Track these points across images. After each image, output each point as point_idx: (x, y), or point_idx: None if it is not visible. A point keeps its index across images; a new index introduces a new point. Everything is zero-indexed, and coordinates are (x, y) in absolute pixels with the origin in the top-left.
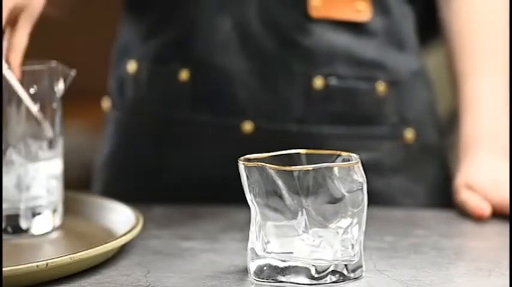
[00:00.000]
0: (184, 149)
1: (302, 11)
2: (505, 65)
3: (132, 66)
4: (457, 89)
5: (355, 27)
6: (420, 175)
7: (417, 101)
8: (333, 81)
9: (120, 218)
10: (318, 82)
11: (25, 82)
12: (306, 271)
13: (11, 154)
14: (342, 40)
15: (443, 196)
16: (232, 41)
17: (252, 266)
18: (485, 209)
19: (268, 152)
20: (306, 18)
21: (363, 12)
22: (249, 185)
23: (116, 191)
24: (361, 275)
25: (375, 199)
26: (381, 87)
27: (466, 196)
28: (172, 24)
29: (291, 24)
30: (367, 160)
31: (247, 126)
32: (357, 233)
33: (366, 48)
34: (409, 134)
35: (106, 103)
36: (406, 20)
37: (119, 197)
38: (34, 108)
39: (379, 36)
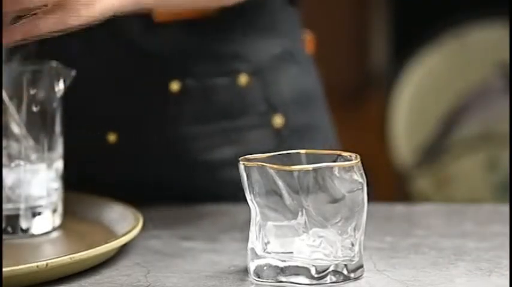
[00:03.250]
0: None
1: (146, 17)
2: None
3: None
4: None
5: (206, 24)
6: None
7: (285, 84)
8: (190, 82)
9: (120, 218)
10: (175, 86)
11: (25, 82)
12: (306, 271)
13: (11, 154)
14: (194, 39)
15: None
16: (82, 56)
17: (252, 266)
18: None
19: (136, 160)
20: (151, 24)
21: (211, 12)
22: (248, 185)
23: None
24: (361, 275)
25: None
26: (242, 79)
27: None
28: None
29: (137, 32)
30: (235, 154)
31: (111, 137)
32: (357, 233)
33: (222, 43)
34: (278, 120)
35: None
36: (266, 4)
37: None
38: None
39: (235, 27)
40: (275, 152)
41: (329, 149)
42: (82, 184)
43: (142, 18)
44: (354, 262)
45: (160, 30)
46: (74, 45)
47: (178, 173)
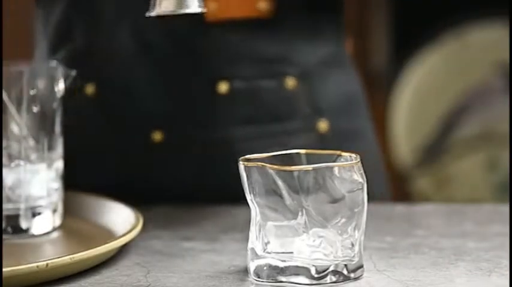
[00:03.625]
0: (97, 162)
1: (198, 16)
2: None
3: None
4: None
5: (256, 26)
6: None
7: (330, 89)
8: (238, 83)
9: (120, 218)
10: (223, 86)
11: (25, 82)
12: (306, 271)
13: (11, 154)
14: (243, 40)
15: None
16: (132, 50)
17: (252, 266)
18: None
19: (180, 159)
20: (202, 23)
21: (263, 12)
22: (248, 185)
23: None
24: (361, 275)
25: None
26: (289, 82)
27: None
28: (72, 38)
29: (188, 30)
30: None
31: (157, 136)
32: (357, 233)
33: (270, 45)
34: (323, 124)
35: None
36: (313, 8)
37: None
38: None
39: (285, 29)
40: None
41: (372, 155)
42: (121, 181)
43: (195, 18)
44: (354, 262)
45: (211, 31)
46: (129, 44)
47: (219, 175)
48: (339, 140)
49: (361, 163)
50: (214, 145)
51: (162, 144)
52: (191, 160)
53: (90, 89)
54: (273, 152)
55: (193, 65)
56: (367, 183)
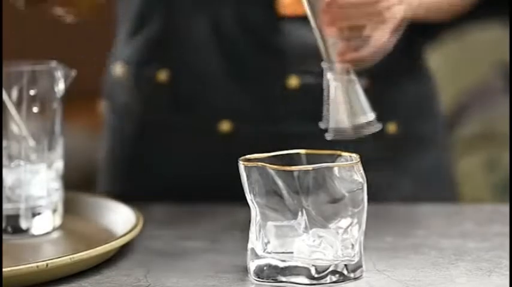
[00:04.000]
0: (164, 151)
1: (273, 10)
2: None
3: (117, 69)
4: None
5: None
6: (406, 168)
7: (403, 91)
8: (308, 79)
9: (120, 218)
10: (293, 81)
11: (25, 82)
12: (306, 271)
13: (11, 154)
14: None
15: (435, 189)
16: (207, 41)
17: (252, 266)
18: None
19: (246, 153)
20: (277, 17)
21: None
22: (249, 185)
23: (114, 192)
24: (361, 275)
25: None
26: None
27: None
28: (150, 24)
29: (263, 23)
30: None
31: (225, 127)
32: (357, 233)
33: None
34: (391, 127)
35: (101, 106)
36: None
37: (117, 198)
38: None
39: None
40: (386, 159)
41: (442, 161)
42: (186, 168)
43: (269, 12)
44: (354, 262)
45: (286, 26)
46: (205, 36)
47: None
48: (407, 144)
49: (429, 169)
50: (282, 138)
51: (229, 134)
52: (257, 152)
53: (162, 75)
54: (342, 150)
55: (266, 59)
56: (435, 188)
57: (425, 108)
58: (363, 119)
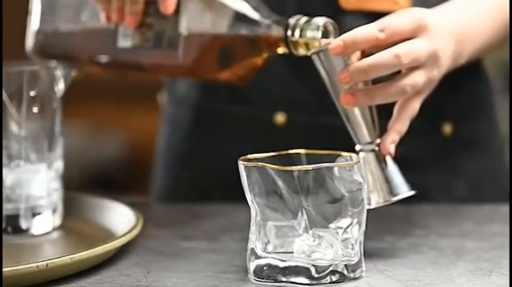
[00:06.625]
0: (220, 140)
1: (333, 3)
2: None
3: None
4: None
5: None
6: (461, 169)
7: (460, 93)
8: None
9: (120, 218)
10: None
11: (25, 82)
12: (306, 271)
13: (11, 154)
14: None
15: (488, 191)
16: None
17: (252, 266)
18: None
19: (301, 144)
20: (337, 10)
21: (400, 4)
22: (249, 185)
23: (171, 183)
24: (361, 275)
25: None
26: None
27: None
28: None
29: (323, 15)
30: (401, 153)
31: (280, 118)
32: (357, 233)
33: None
34: (447, 128)
35: (161, 97)
36: None
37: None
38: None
39: None
40: (441, 160)
41: (495, 165)
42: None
43: (331, 4)
44: (354, 262)
45: (346, 20)
46: None
47: None
48: (462, 146)
49: (482, 173)
50: (338, 131)
51: (284, 126)
52: (311, 144)
53: None
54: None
55: None
56: (486, 191)
57: (482, 110)
58: (400, 196)
